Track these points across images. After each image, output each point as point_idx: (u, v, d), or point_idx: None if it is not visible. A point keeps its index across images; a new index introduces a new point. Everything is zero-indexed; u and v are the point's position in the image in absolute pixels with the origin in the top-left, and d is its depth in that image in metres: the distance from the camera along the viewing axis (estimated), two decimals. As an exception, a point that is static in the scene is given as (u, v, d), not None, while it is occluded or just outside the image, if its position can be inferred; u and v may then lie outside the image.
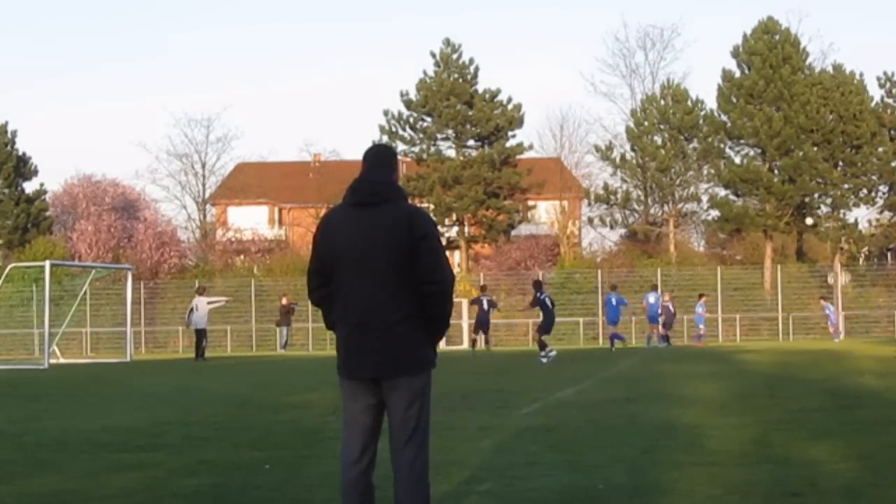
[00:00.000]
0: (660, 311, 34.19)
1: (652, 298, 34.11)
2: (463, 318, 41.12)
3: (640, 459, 8.10)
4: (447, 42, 50.77)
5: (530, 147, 51.68)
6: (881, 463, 7.65)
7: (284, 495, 6.95)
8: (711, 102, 48.60)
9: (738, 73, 47.36)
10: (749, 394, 13.95)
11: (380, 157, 5.35)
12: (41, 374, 25.01)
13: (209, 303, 30.31)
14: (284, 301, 36.22)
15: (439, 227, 46.84)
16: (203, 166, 61.02)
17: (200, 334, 30.02)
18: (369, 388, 5.18)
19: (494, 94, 50.79)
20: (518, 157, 51.13)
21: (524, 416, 11.59)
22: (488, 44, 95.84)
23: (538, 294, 24.92)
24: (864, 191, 47.10)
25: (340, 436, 5.34)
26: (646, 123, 50.25)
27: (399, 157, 5.66)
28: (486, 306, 31.48)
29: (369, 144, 5.49)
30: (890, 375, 17.24)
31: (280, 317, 36.61)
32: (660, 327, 34.26)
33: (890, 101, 47.98)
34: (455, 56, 50.68)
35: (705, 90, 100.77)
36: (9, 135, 52.38)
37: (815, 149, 45.56)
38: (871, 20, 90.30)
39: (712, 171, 48.44)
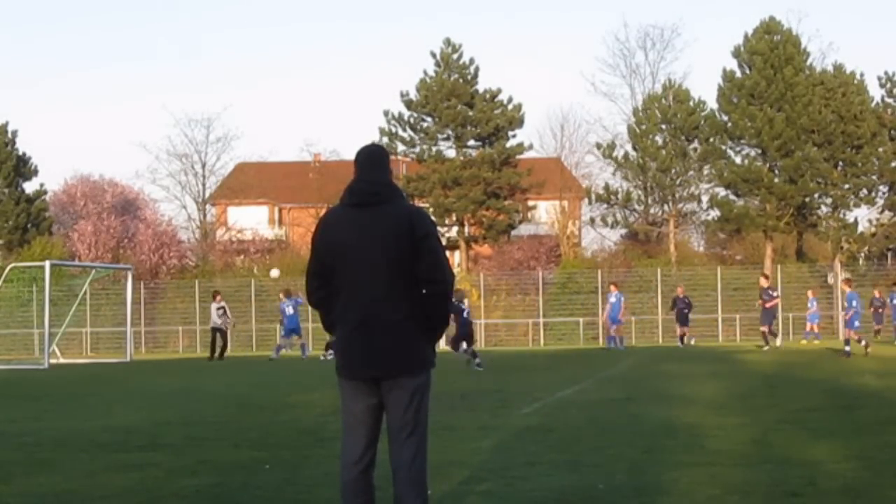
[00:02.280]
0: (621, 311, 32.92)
1: (613, 298, 32.58)
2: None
3: (640, 459, 8.10)
4: (448, 42, 50.79)
5: (530, 147, 51.72)
6: (881, 463, 7.65)
7: (284, 495, 6.96)
8: (711, 102, 48.63)
9: (738, 74, 47.33)
10: (749, 394, 13.95)
11: (374, 158, 5.35)
12: (41, 374, 25.01)
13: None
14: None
15: (439, 228, 47.03)
16: (203, 166, 61.06)
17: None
18: (369, 389, 5.19)
19: (495, 95, 50.79)
20: (518, 157, 51.13)
21: (524, 416, 11.59)
22: (489, 44, 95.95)
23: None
24: (865, 191, 47.08)
25: (340, 436, 5.35)
26: (647, 123, 50.18)
27: (396, 157, 5.68)
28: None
29: (363, 145, 5.48)
30: (890, 375, 17.25)
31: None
32: (615, 327, 32.75)
33: (890, 101, 47.93)
34: (455, 56, 50.67)
35: (705, 90, 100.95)
36: (9, 135, 52.38)
37: (816, 149, 45.54)
38: (871, 20, 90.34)
39: (713, 171, 48.42)
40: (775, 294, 29.51)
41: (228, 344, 31.13)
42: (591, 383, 16.89)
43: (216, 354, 29.86)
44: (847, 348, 23.29)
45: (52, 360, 29.58)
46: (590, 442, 9.16)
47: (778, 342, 28.96)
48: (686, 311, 33.99)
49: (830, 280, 42.70)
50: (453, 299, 24.44)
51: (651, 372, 19.46)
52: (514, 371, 21.09)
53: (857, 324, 23.66)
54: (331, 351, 29.06)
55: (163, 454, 8.99)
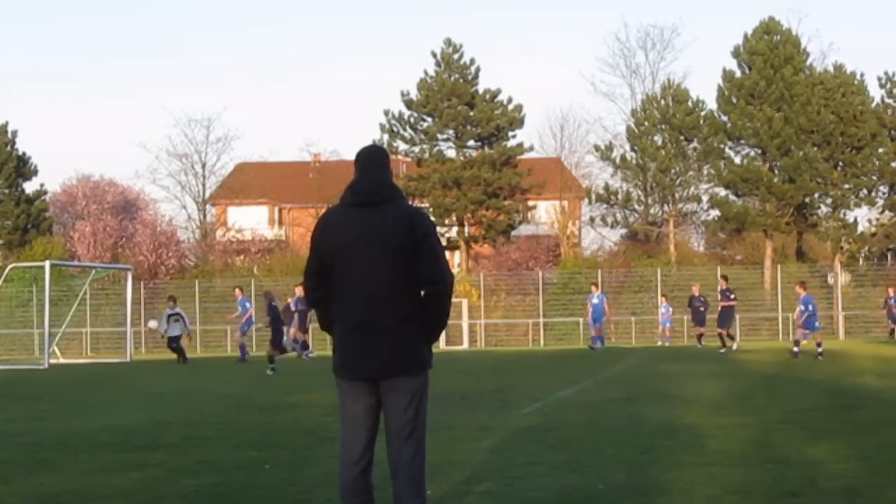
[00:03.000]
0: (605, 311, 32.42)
1: (595, 299, 32.10)
2: (463, 318, 41.14)
3: (640, 459, 8.11)
4: (448, 42, 50.78)
5: (531, 148, 51.71)
6: (881, 463, 7.65)
7: (284, 495, 6.96)
8: (711, 103, 48.64)
9: (738, 74, 47.33)
10: (749, 394, 13.96)
11: (374, 158, 5.35)
12: (41, 374, 25.01)
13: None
14: (290, 301, 36.35)
15: (439, 228, 46.82)
16: (203, 166, 61.10)
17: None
18: (368, 389, 5.19)
19: (495, 95, 50.78)
20: (518, 157, 51.14)
21: (524, 416, 11.59)
22: (489, 44, 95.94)
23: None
24: (865, 191, 47.07)
25: (339, 436, 5.35)
26: (646, 124, 50.24)
27: (396, 157, 5.70)
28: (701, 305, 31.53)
29: (363, 146, 5.50)
30: (890, 375, 17.24)
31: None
32: (596, 326, 32.31)
33: (890, 101, 47.88)
34: (456, 56, 50.66)
35: (705, 90, 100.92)
36: (9, 135, 52.37)
37: (816, 149, 45.55)
38: (871, 20, 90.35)
39: (712, 171, 48.43)
40: (732, 296, 28.60)
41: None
42: (591, 383, 16.89)
43: (181, 359, 28.54)
44: (796, 349, 23.02)
45: (52, 360, 29.58)
46: (590, 442, 9.16)
47: (734, 346, 28.27)
48: (703, 309, 31.84)
49: (830, 280, 42.72)
50: (266, 301, 24.64)
51: (651, 372, 19.46)
52: (514, 371, 21.09)
53: (817, 325, 23.75)
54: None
55: (163, 454, 8.99)
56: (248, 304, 30.24)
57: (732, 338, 29.11)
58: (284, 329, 35.42)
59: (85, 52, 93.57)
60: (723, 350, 27.34)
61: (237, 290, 31.32)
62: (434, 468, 5.76)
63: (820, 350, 23.25)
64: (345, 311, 5.20)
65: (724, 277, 30.05)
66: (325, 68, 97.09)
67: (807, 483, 6.88)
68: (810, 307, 23.92)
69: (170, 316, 29.13)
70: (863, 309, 41.86)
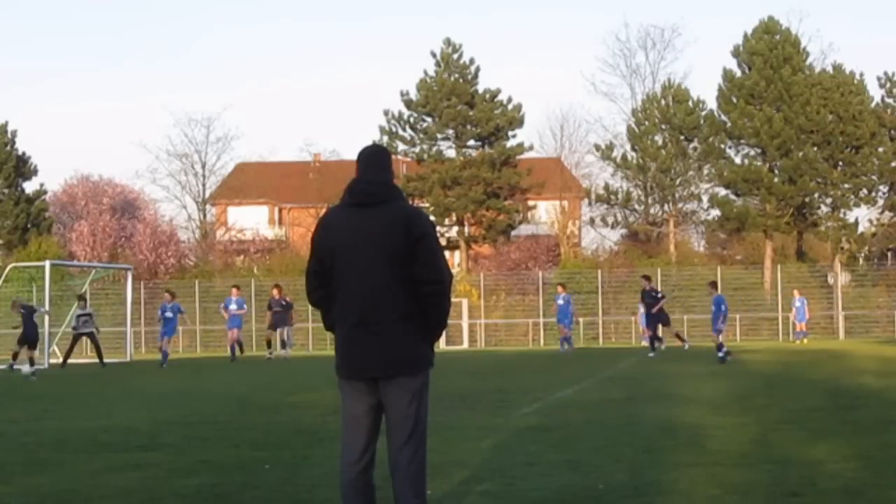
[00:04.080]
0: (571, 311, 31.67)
1: (561, 300, 31.47)
2: (463, 318, 41.13)
3: (640, 459, 8.11)
4: (448, 42, 50.78)
5: (530, 148, 51.69)
6: (881, 463, 7.65)
7: (284, 495, 6.96)
8: (712, 102, 48.63)
9: (738, 74, 47.33)
10: (749, 394, 13.95)
11: (375, 158, 5.36)
12: (41, 374, 24.99)
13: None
14: (288, 300, 36.27)
15: (438, 228, 46.77)
16: (203, 166, 61.02)
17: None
18: (368, 388, 5.20)
19: (495, 94, 50.77)
20: (518, 157, 51.13)
21: (524, 416, 11.59)
22: (489, 44, 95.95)
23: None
24: (864, 191, 47.05)
25: (340, 435, 5.35)
26: (646, 124, 50.24)
27: (396, 157, 5.69)
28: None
29: (365, 145, 5.51)
30: (890, 375, 17.24)
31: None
32: (560, 327, 31.73)
33: (890, 101, 47.92)
34: (456, 56, 50.66)
35: (706, 90, 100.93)
36: (9, 135, 52.36)
37: (816, 149, 45.54)
38: (871, 20, 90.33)
39: (713, 171, 48.43)
40: (660, 296, 27.28)
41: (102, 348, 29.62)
42: (591, 383, 16.89)
43: (100, 360, 28.38)
44: (721, 353, 21.65)
45: (52, 360, 29.56)
46: (590, 442, 9.16)
47: (662, 346, 26.35)
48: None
49: (830, 280, 42.71)
50: (18, 307, 24.98)
51: (651, 372, 19.45)
52: (514, 371, 21.09)
53: (720, 326, 22.44)
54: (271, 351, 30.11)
55: (163, 454, 8.99)
56: (168, 313, 29.89)
57: (661, 340, 27.21)
58: (286, 330, 35.09)
59: (85, 52, 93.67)
60: (652, 354, 25.63)
61: (168, 295, 30.91)
62: (434, 468, 5.76)
63: (721, 353, 21.64)
64: (344, 311, 5.21)
65: (647, 277, 28.15)
66: (325, 68, 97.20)
67: (807, 483, 6.88)
68: (723, 307, 22.81)
69: (79, 316, 28.85)
70: (863, 309, 41.84)
